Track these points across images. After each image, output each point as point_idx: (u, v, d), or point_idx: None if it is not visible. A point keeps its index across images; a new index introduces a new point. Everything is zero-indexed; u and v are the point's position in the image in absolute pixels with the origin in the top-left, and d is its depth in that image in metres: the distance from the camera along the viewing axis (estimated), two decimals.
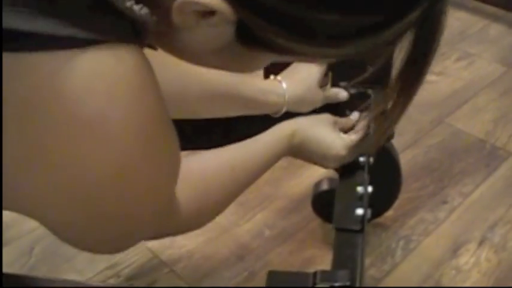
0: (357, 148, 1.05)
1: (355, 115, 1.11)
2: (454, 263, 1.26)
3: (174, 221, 0.73)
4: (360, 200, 1.00)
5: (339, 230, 0.98)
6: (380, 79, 1.13)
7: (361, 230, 0.96)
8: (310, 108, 1.07)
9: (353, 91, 1.12)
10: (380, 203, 1.28)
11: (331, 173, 1.20)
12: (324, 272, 0.90)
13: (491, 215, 1.38)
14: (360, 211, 0.97)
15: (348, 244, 0.96)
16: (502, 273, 1.24)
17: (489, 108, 1.74)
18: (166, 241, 1.31)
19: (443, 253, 1.29)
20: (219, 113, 1.01)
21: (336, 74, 1.12)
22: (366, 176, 1.04)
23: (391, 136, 1.19)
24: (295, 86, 1.04)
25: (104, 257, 1.28)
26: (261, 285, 0.92)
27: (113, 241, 0.62)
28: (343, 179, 1.08)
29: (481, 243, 1.31)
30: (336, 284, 0.87)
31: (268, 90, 1.02)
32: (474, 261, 1.27)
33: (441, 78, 1.88)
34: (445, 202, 1.41)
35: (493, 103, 1.76)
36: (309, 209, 1.34)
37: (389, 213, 1.35)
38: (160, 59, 0.58)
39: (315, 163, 1.06)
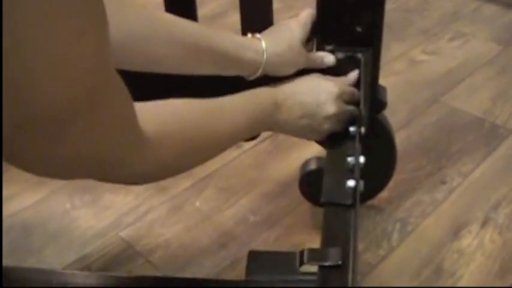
0: (349, 89, 0.99)
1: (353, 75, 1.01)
2: (455, 245, 1.16)
3: (144, 153, 0.64)
4: (350, 171, 0.89)
5: (329, 204, 0.87)
6: (370, 41, 1.04)
7: (353, 205, 0.85)
8: (292, 71, 0.97)
9: (340, 55, 1.01)
10: (373, 181, 1.17)
11: (318, 153, 1.10)
12: (312, 250, 0.79)
13: (493, 195, 1.27)
14: (351, 183, 0.86)
15: (339, 220, 0.84)
16: (508, 255, 1.14)
17: (487, 87, 1.64)
18: (141, 230, 1.21)
19: (443, 235, 1.18)
20: (187, 68, 0.90)
21: (321, 37, 1.02)
22: (357, 145, 0.93)
23: (383, 106, 1.08)
24: (276, 44, 0.94)
25: (73, 248, 1.18)
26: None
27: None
28: (332, 150, 0.98)
29: (484, 224, 1.20)
30: (326, 264, 0.76)
31: (245, 45, 0.91)
32: (477, 243, 1.16)
33: (434, 58, 1.79)
34: (443, 182, 1.31)
35: (491, 81, 1.67)
36: (296, 193, 1.24)
37: (384, 194, 1.24)
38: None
39: (304, 129, 0.95)
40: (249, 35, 0.94)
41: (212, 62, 0.89)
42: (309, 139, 1.03)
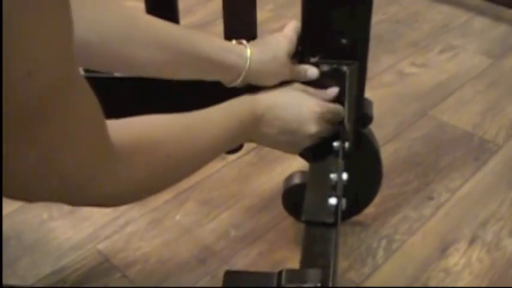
0: (332, 107, 0.95)
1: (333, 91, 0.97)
2: (442, 264, 1.13)
3: (115, 169, 0.60)
4: (333, 188, 0.86)
5: (309, 223, 0.84)
6: (355, 54, 1.01)
7: (335, 223, 0.82)
8: (274, 82, 0.93)
9: (325, 68, 0.98)
10: (358, 197, 1.14)
11: (304, 167, 1.07)
12: (290, 271, 0.75)
13: (482, 211, 1.24)
14: (332, 201, 0.83)
15: (320, 239, 0.81)
16: (496, 274, 1.11)
17: (476, 101, 1.62)
18: (118, 243, 1.17)
19: (430, 253, 1.15)
20: (167, 72, 0.86)
21: (305, 49, 0.99)
22: (340, 161, 0.90)
23: (369, 121, 1.06)
24: (261, 52, 0.91)
25: (49, 261, 1.14)
26: None
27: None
28: (314, 166, 0.94)
29: (471, 242, 1.17)
30: (305, 285, 0.73)
31: (228, 49, 0.88)
32: (465, 262, 1.13)
33: (424, 70, 1.76)
34: (431, 198, 1.28)
35: (480, 95, 1.64)
36: (280, 208, 1.21)
37: (370, 210, 1.21)
38: None
39: (284, 144, 0.92)
40: (234, 41, 0.91)
41: (193, 65, 0.85)
42: (288, 153, 1.00)
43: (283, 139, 0.92)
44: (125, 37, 0.79)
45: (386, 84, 1.68)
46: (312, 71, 0.97)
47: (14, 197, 0.54)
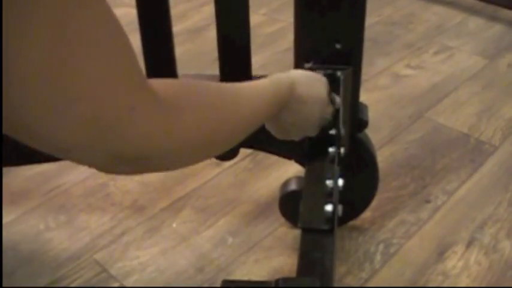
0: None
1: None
2: (440, 267, 1.12)
3: (162, 115, 0.55)
4: (329, 195, 0.86)
5: (306, 230, 0.83)
6: (350, 59, 1.00)
7: (331, 230, 0.82)
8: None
9: (319, 73, 0.97)
10: (354, 202, 1.14)
11: (300, 172, 1.06)
12: (287, 279, 0.75)
13: (479, 214, 1.24)
14: (329, 208, 0.82)
15: (316, 246, 0.81)
16: (494, 277, 1.11)
17: (472, 102, 1.62)
18: (116, 253, 1.17)
19: (427, 257, 1.15)
20: None
21: (300, 54, 0.98)
22: (335, 168, 0.90)
23: (365, 125, 1.05)
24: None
25: (46, 272, 1.14)
26: None
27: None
28: (310, 172, 0.94)
29: (469, 244, 1.17)
30: None
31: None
32: (463, 265, 1.13)
33: (419, 72, 1.76)
34: (427, 201, 1.27)
35: (476, 96, 1.64)
36: (277, 214, 1.21)
37: (367, 214, 1.21)
38: None
39: (298, 120, 0.89)
40: None
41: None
42: (294, 137, 0.96)
43: (294, 122, 0.88)
44: None
45: (381, 87, 1.68)
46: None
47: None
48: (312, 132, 0.92)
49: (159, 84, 0.55)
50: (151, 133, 0.54)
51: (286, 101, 0.83)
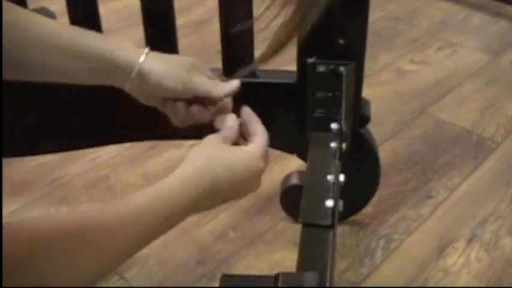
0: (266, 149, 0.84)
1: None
2: (441, 263, 1.12)
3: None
4: (330, 190, 0.86)
5: (306, 225, 0.83)
6: (353, 54, 1.00)
7: (332, 225, 0.81)
8: (172, 94, 0.84)
9: (322, 68, 0.97)
10: (356, 197, 1.14)
11: (301, 167, 1.06)
12: (287, 274, 0.75)
13: (480, 210, 1.24)
14: (329, 203, 0.82)
15: (317, 242, 0.81)
16: (495, 274, 1.11)
17: (474, 98, 1.61)
18: None
19: (428, 253, 1.15)
20: (64, 76, 0.82)
21: (302, 48, 0.98)
22: (337, 163, 0.90)
23: (367, 121, 1.05)
24: (160, 58, 0.84)
25: None
26: None
27: None
28: (311, 167, 0.94)
29: (470, 241, 1.17)
30: None
31: (121, 47, 0.81)
32: (463, 262, 1.13)
33: (422, 68, 1.76)
34: (429, 197, 1.27)
35: (479, 92, 1.64)
36: (278, 208, 1.21)
37: (368, 209, 1.21)
38: None
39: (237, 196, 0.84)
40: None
41: (81, 61, 0.80)
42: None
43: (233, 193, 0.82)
44: (17, 42, 0.76)
45: (384, 82, 1.68)
46: (233, 84, 0.86)
47: None
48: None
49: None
50: None
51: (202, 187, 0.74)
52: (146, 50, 0.83)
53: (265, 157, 0.83)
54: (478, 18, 2.04)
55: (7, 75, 0.76)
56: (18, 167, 1.37)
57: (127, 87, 0.83)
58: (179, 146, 1.41)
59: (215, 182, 0.76)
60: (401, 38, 1.91)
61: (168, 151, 1.40)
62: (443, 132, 1.48)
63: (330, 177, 0.87)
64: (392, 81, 1.68)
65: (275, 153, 1.20)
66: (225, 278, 0.77)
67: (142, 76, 0.81)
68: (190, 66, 0.84)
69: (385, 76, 1.70)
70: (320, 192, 0.86)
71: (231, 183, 0.78)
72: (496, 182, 1.32)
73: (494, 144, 1.43)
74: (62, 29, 0.81)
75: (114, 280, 1.11)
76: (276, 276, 0.75)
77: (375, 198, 1.18)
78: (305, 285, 0.72)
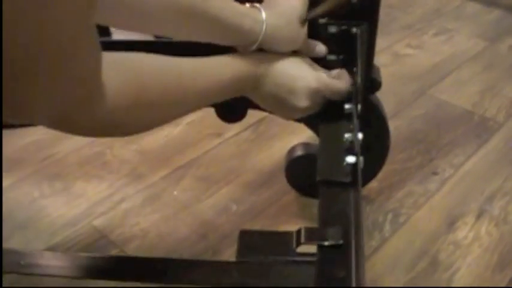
0: (332, 85, 0.88)
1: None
2: (451, 237, 1.09)
3: (101, 106, 0.59)
4: (349, 148, 0.82)
5: (325, 183, 0.79)
6: (366, 14, 0.97)
7: (354, 183, 0.77)
8: (287, 49, 0.88)
9: (334, 29, 0.94)
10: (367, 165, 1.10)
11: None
12: (310, 229, 0.71)
13: (487, 187, 1.21)
14: (350, 159, 0.78)
15: (337, 200, 0.77)
16: (506, 247, 1.08)
17: (474, 81, 1.59)
18: (115, 219, 1.13)
19: (437, 227, 1.12)
20: (180, 33, 0.81)
21: (314, 9, 0.94)
22: (355, 121, 0.86)
23: (378, 86, 1.02)
24: (276, 17, 0.84)
25: (42, 238, 1.10)
26: None
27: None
28: (325, 129, 0.90)
29: (479, 216, 1.14)
30: (326, 243, 0.69)
31: (244, 13, 0.81)
32: (474, 236, 1.10)
33: (419, 52, 1.73)
34: (435, 173, 1.24)
35: (477, 76, 1.61)
36: (281, 183, 1.18)
37: (373, 185, 1.18)
38: None
39: (280, 106, 0.88)
40: (247, 4, 0.85)
41: (208, 29, 0.79)
42: (283, 117, 0.94)
43: (275, 105, 0.87)
44: None
45: (382, 65, 1.62)
46: (321, 48, 0.92)
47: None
48: (303, 107, 0.89)
49: (107, 69, 0.58)
50: (90, 120, 0.59)
51: (246, 83, 0.83)
52: (263, 14, 0.83)
53: (323, 84, 0.88)
54: (472, 7, 2.02)
55: (121, 24, 0.77)
56: (10, 144, 1.32)
57: (246, 50, 0.84)
58: (175, 124, 1.37)
59: (271, 71, 0.85)
60: (396, 24, 1.89)
61: (164, 128, 1.36)
62: (444, 113, 1.45)
63: (348, 135, 0.83)
64: (389, 64, 1.65)
65: (276, 130, 1.17)
66: (244, 233, 0.73)
67: (262, 42, 0.84)
68: (301, 17, 0.88)
69: (382, 59, 1.67)
70: (338, 150, 0.82)
71: (282, 79, 0.86)
72: (501, 161, 1.29)
73: (497, 124, 1.41)
74: None
75: (114, 252, 1.06)
76: (298, 231, 0.71)
77: (380, 175, 1.15)
78: (329, 239, 0.69)
